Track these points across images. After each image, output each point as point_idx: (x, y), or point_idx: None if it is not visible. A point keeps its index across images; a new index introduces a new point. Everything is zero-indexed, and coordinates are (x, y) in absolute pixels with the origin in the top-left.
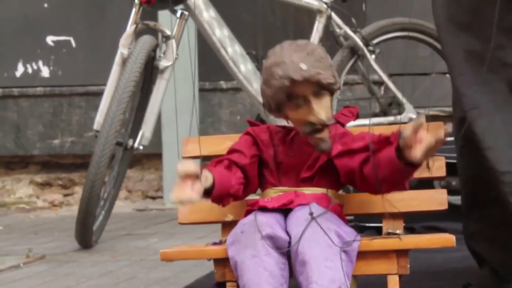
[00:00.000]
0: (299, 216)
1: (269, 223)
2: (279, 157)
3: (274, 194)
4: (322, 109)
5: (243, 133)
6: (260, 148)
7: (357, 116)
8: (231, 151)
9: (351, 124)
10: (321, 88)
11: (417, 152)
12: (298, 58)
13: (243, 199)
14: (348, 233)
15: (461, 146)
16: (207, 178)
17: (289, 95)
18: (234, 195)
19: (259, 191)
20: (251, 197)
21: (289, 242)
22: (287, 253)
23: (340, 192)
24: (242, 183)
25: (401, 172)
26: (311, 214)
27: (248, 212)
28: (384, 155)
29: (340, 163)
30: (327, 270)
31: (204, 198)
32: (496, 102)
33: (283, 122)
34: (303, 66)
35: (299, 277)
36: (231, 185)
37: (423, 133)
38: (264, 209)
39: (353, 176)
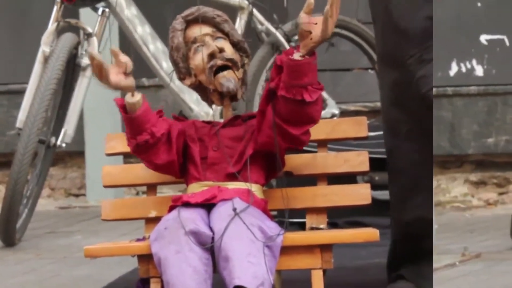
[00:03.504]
0: (222, 211)
1: (193, 218)
2: (204, 152)
3: (199, 189)
4: (220, 44)
5: None
6: (186, 142)
7: None
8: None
9: None
10: (219, 31)
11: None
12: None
13: (159, 162)
14: (272, 228)
15: (408, 130)
16: (137, 94)
17: (187, 39)
18: (153, 134)
19: (183, 187)
20: (175, 193)
21: (213, 238)
22: (211, 248)
23: (264, 188)
24: (166, 130)
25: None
26: (234, 209)
27: (171, 208)
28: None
29: (262, 139)
30: (249, 265)
31: (124, 115)
32: None
33: (207, 118)
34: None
35: (222, 272)
36: (154, 122)
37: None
38: (187, 204)
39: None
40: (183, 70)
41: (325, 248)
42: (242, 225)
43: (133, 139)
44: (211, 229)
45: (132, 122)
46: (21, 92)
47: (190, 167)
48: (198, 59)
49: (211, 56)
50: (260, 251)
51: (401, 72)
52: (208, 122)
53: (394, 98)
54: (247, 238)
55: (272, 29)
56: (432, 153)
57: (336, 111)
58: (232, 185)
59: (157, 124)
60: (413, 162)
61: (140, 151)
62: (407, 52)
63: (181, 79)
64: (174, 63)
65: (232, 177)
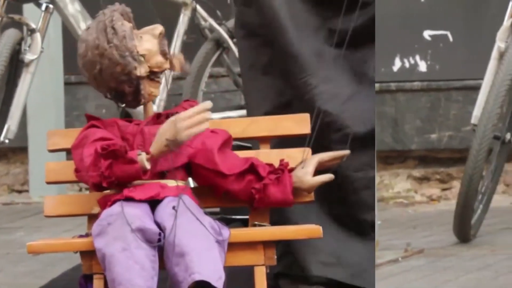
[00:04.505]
0: (172, 207)
1: (138, 215)
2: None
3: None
4: None
5: (87, 126)
6: None
7: None
8: (104, 139)
9: (218, 116)
10: None
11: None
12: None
13: None
14: (218, 224)
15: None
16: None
17: None
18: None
19: None
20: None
21: (160, 234)
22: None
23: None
24: None
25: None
26: (173, 207)
27: (111, 202)
28: (273, 194)
29: (200, 172)
30: (208, 260)
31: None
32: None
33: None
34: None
35: (174, 268)
36: None
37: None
38: (129, 199)
39: (212, 185)
40: (137, 58)
41: (268, 244)
42: (195, 221)
43: (118, 186)
44: (157, 225)
45: (135, 180)
46: None
47: None
48: (149, 43)
49: (160, 35)
50: (215, 246)
51: (290, 88)
52: (129, 121)
53: (283, 103)
54: (202, 233)
55: (216, 26)
56: (374, 149)
57: None
58: (166, 182)
59: None
60: None
61: (103, 189)
62: (295, 74)
63: (133, 69)
64: (129, 51)
65: (159, 175)
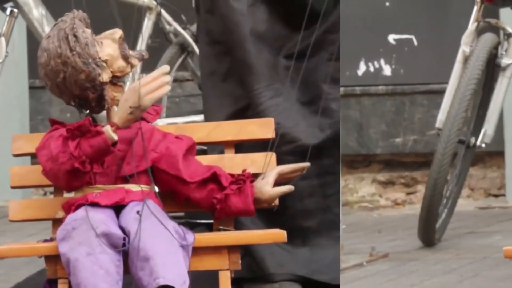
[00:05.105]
0: (136, 212)
1: (103, 220)
2: None
3: (93, 192)
4: None
5: (51, 129)
6: None
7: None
8: None
9: (182, 120)
10: None
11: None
12: None
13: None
14: (183, 228)
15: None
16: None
17: None
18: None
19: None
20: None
21: (124, 238)
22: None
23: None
24: None
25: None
26: (137, 212)
27: (76, 207)
28: (234, 205)
29: (162, 177)
30: (172, 264)
31: (109, 146)
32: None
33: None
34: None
35: (138, 273)
36: None
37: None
38: (94, 204)
39: (174, 191)
40: (100, 65)
41: (232, 249)
42: (159, 225)
43: (87, 164)
44: (121, 229)
45: (105, 153)
46: None
47: None
48: (110, 48)
49: (120, 39)
50: (179, 250)
51: (245, 96)
52: (94, 125)
53: (238, 112)
54: (166, 237)
55: (180, 30)
56: (339, 153)
57: None
58: (129, 187)
59: None
60: None
61: (76, 175)
62: (250, 84)
63: (96, 75)
64: (92, 57)
65: (123, 180)
